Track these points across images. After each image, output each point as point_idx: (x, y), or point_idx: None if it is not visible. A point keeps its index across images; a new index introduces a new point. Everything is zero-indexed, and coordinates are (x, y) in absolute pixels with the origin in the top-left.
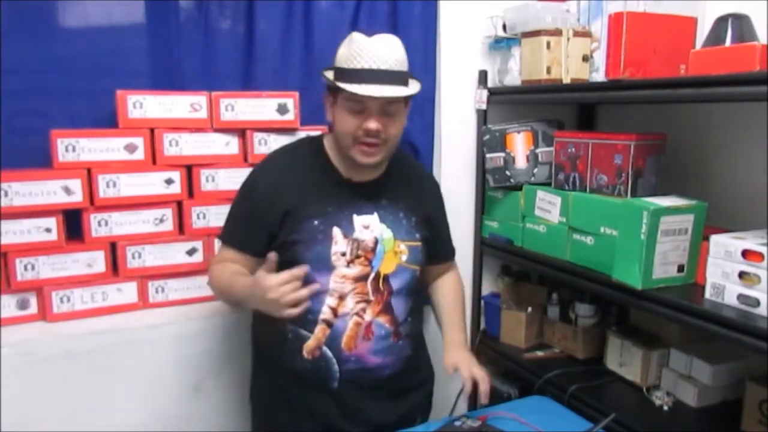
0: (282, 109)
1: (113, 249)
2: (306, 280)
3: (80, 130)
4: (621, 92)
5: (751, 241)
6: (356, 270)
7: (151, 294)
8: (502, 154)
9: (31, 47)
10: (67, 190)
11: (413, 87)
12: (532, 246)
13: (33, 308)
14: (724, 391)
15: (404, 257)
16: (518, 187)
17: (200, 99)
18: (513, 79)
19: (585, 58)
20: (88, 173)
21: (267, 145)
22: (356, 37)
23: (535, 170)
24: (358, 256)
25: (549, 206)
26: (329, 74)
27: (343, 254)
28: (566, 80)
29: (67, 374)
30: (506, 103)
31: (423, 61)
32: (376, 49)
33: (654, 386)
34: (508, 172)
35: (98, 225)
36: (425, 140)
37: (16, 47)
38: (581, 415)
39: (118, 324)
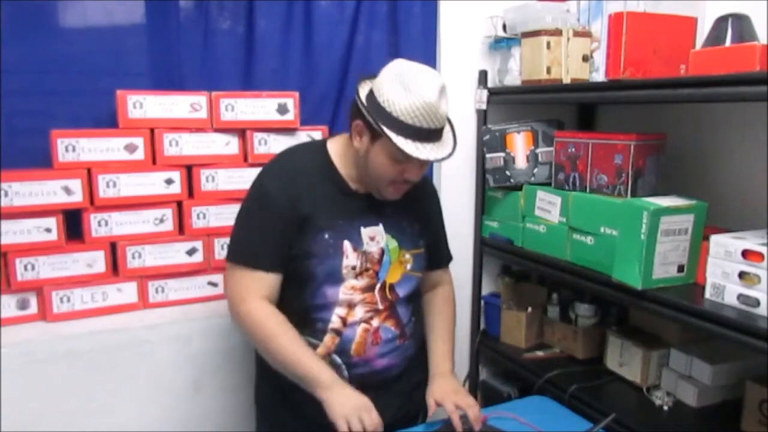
0: (282, 109)
1: (113, 249)
2: (316, 293)
3: (80, 130)
4: (621, 92)
5: (751, 241)
6: (364, 281)
7: (151, 294)
8: (502, 154)
9: (31, 47)
10: (67, 190)
11: (452, 134)
12: (532, 246)
13: (33, 308)
14: (724, 391)
15: (409, 266)
16: (518, 187)
17: (200, 99)
18: (513, 79)
19: (585, 58)
20: (88, 173)
21: (267, 145)
22: (415, 83)
23: (535, 170)
24: (366, 269)
25: (549, 206)
26: (369, 111)
27: (353, 268)
28: (566, 80)
29: (67, 374)
30: (506, 103)
31: (423, 61)
32: (441, 107)
33: (654, 386)
34: (508, 172)
35: (98, 225)
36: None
37: (16, 47)
38: (581, 415)
39: (118, 324)
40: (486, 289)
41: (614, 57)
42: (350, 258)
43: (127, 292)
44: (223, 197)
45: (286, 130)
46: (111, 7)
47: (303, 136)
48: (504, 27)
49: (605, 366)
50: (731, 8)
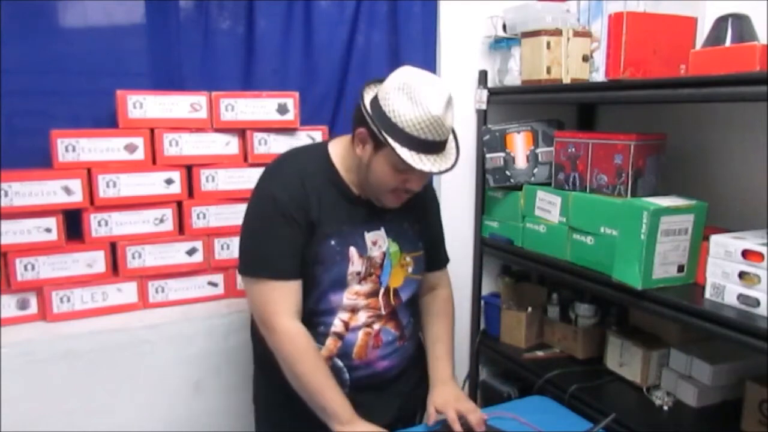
0: (282, 109)
1: (113, 249)
2: (321, 299)
3: (80, 130)
4: (621, 92)
5: (751, 241)
6: (368, 287)
7: (151, 294)
8: (502, 154)
9: (31, 47)
10: (67, 190)
11: (455, 144)
12: (532, 246)
13: (33, 308)
14: (724, 391)
15: (410, 269)
16: (518, 187)
17: (200, 99)
18: (513, 79)
19: (585, 58)
20: (88, 173)
21: (267, 145)
22: (423, 96)
23: (535, 170)
24: (370, 274)
25: (549, 206)
26: (374, 120)
27: (359, 273)
28: (566, 80)
29: (67, 374)
30: (506, 103)
31: (423, 61)
32: (447, 120)
33: (654, 386)
34: (508, 172)
35: (98, 225)
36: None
37: (16, 47)
38: (581, 415)
39: (118, 324)
40: (486, 289)
41: (614, 57)
42: (356, 264)
43: (127, 292)
44: (223, 197)
45: (286, 130)
46: (111, 7)
47: (303, 136)
48: (504, 27)
49: (605, 366)
50: (731, 8)
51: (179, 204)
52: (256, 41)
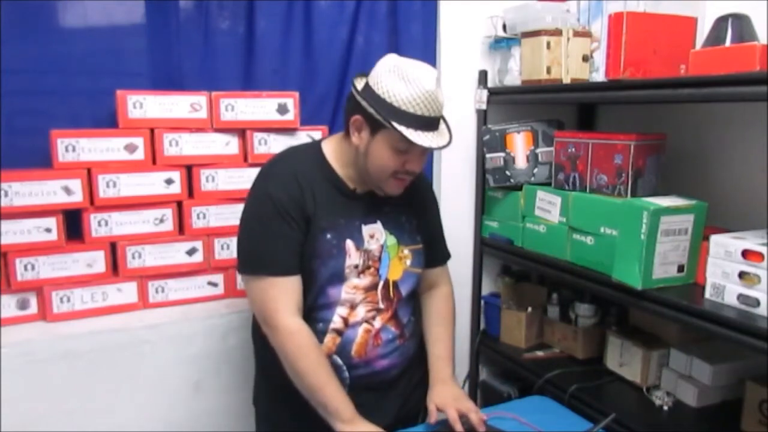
0: (282, 109)
1: (113, 249)
2: (319, 293)
3: (80, 130)
4: (621, 92)
5: (751, 241)
6: (367, 280)
7: (151, 294)
8: (502, 154)
9: (31, 47)
10: (67, 190)
11: (447, 127)
12: (532, 246)
13: (33, 308)
14: (724, 391)
15: (409, 262)
16: (518, 187)
17: (200, 99)
18: (513, 79)
19: (585, 58)
20: (88, 173)
21: (267, 145)
22: (413, 74)
23: (535, 170)
24: (368, 267)
25: (549, 206)
26: (370, 103)
27: (356, 266)
28: (566, 80)
29: (67, 374)
30: (506, 103)
31: (423, 61)
32: (439, 96)
33: (654, 386)
34: (508, 172)
35: (98, 225)
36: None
37: (16, 47)
38: (581, 415)
39: (118, 324)
40: (486, 289)
41: (614, 57)
42: (353, 257)
43: (127, 292)
44: (223, 197)
45: (286, 130)
46: (111, 7)
47: (303, 136)
48: (504, 27)
49: (605, 366)
50: (731, 8)
51: (179, 204)
52: (256, 41)
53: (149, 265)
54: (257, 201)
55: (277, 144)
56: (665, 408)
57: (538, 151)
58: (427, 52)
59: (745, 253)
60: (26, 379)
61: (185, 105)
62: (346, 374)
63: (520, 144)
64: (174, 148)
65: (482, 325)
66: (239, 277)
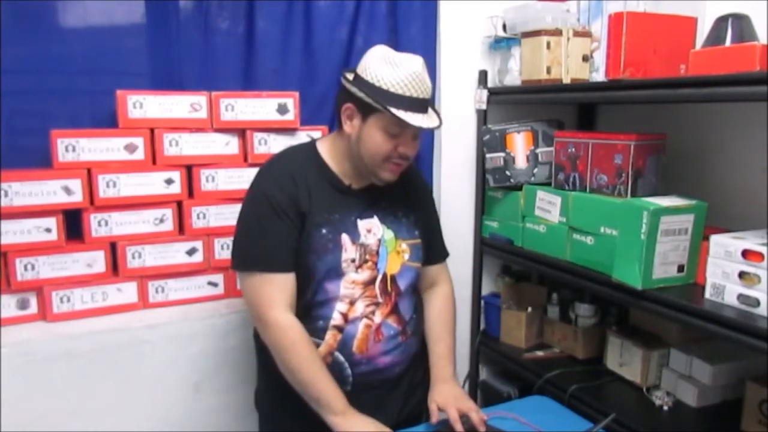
0: (282, 109)
1: (113, 249)
2: (317, 289)
3: (80, 130)
4: (621, 92)
5: (751, 241)
6: (365, 275)
7: (151, 294)
8: (502, 154)
9: (31, 47)
10: (67, 190)
11: (435, 112)
12: (532, 246)
13: (33, 308)
14: (724, 391)
15: (407, 256)
16: (518, 187)
17: (200, 99)
18: (513, 79)
19: (585, 58)
20: (88, 173)
21: (267, 145)
22: (400, 59)
23: (535, 170)
24: (365, 261)
25: (549, 206)
26: (359, 89)
27: (353, 260)
28: (566, 80)
29: (67, 374)
30: (506, 103)
31: (423, 60)
32: (426, 79)
33: (654, 386)
34: (508, 172)
35: (98, 225)
36: (425, 140)
37: (16, 47)
38: (581, 415)
39: (118, 324)
40: (486, 289)
41: (614, 57)
42: (349, 251)
43: (127, 292)
44: (223, 197)
45: (286, 130)
46: (111, 7)
47: (303, 136)
48: (504, 27)
49: (605, 366)
50: (731, 8)
51: (179, 204)
52: (256, 41)
53: (149, 265)
54: (254, 199)
55: (277, 144)
56: (665, 408)
57: (538, 151)
58: (427, 52)
59: (745, 253)
60: (26, 379)
61: (185, 105)
62: (349, 371)
63: (520, 144)
64: (174, 148)
65: (482, 325)
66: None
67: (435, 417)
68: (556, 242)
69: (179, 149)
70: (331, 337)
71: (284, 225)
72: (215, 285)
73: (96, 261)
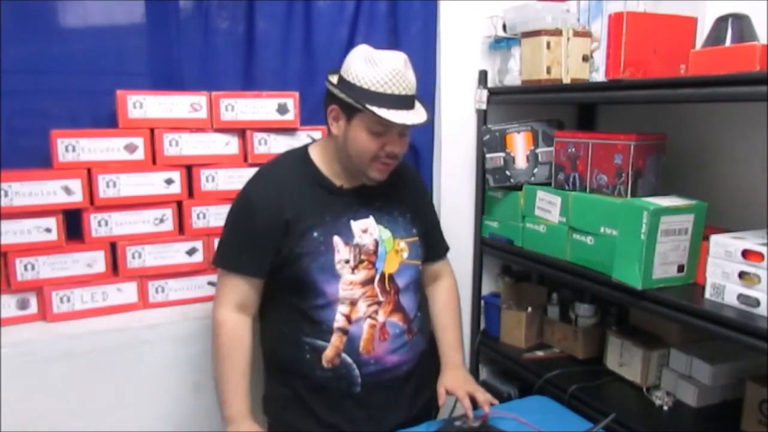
0: (282, 109)
1: (113, 249)
2: (316, 293)
3: (80, 130)
4: (621, 92)
5: (751, 241)
6: (362, 275)
7: (151, 294)
8: (502, 154)
9: (31, 47)
10: (67, 190)
11: (423, 108)
12: (532, 246)
13: (33, 308)
14: (724, 391)
15: (405, 254)
16: (518, 187)
17: (200, 99)
18: (513, 79)
19: (585, 58)
20: (88, 173)
21: (267, 145)
22: (380, 57)
23: (535, 170)
24: (361, 261)
25: (549, 206)
26: (341, 90)
27: (347, 261)
28: (566, 80)
29: (67, 374)
30: (506, 103)
31: (423, 61)
32: (408, 75)
33: (654, 386)
34: (508, 172)
35: (98, 225)
36: (425, 140)
37: (16, 47)
38: (581, 415)
39: (118, 324)
40: (486, 289)
41: (614, 57)
42: (342, 252)
43: (127, 292)
44: (223, 197)
45: (286, 130)
46: (111, 7)
47: (303, 136)
48: (504, 27)
49: (605, 366)
50: (731, 8)
51: (179, 204)
52: (256, 41)
53: (149, 265)
54: (235, 202)
55: (277, 144)
56: (665, 408)
57: (538, 151)
58: (427, 52)
59: (745, 253)
60: (26, 379)
61: (185, 105)
62: (357, 372)
63: (520, 144)
64: (174, 148)
65: (482, 325)
66: None
67: (443, 399)
68: (556, 242)
69: (179, 149)
70: (336, 339)
71: (258, 228)
72: (215, 285)
73: (96, 261)
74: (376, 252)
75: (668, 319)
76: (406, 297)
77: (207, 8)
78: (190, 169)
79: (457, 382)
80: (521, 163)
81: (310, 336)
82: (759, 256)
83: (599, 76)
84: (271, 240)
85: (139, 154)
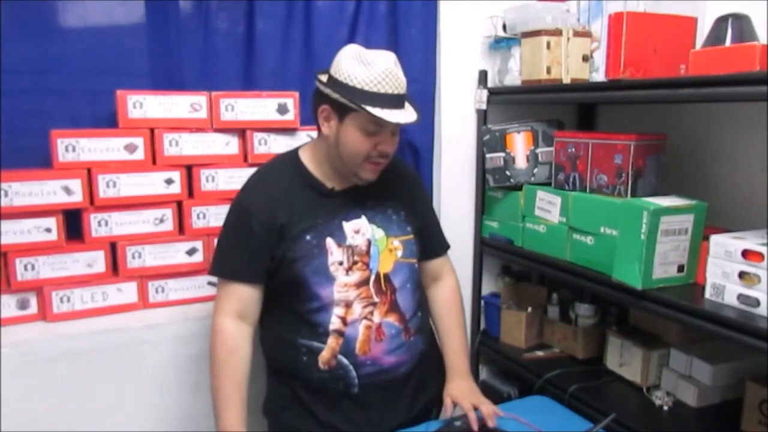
0: (282, 109)
1: (113, 249)
2: (310, 296)
3: (80, 130)
4: (621, 92)
5: (751, 241)
6: (356, 276)
7: (151, 294)
8: (502, 154)
9: (31, 47)
10: (67, 190)
11: (412, 107)
12: (532, 246)
13: (33, 308)
14: (724, 391)
15: (400, 253)
16: (518, 187)
17: (200, 99)
18: (513, 79)
19: (585, 58)
20: (88, 173)
21: (267, 145)
22: (372, 57)
23: (535, 170)
24: (355, 262)
25: (549, 206)
26: (334, 90)
27: (341, 263)
28: (566, 80)
29: (67, 374)
30: (506, 103)
31: (423, 61)
32: (399, 75)
33: (654, 386)
34: (508, 172)
35: (98, 225)
36: (425, 140)
37: (16, 47)
38: (581, 415)
39: (118, 324)
40: (486, 289)
41: (614, 57)
42: (335, 254)
43: (127, 292)
44: (223, 197)
45: (286, 130)
46: (111, 7)
47: (303, 136)
48: (504, 27)
49: (605, 366)
50: (731, 8)
51: (179, 204)
52: (256, 41)
53: (149, 265)
54: (231, 210)
55: (277, 144)
56: (665, 408)
57: (538, 151)
58: (427, 52)
59: (745, 253)
60: (26, 379)
61: (185, 105)
62: (354, 374)
63: (520, 144)
64: (174, 148)
65: (482, 325)
66: None
67: (449, 411)
68: (556, 242)
69: (179, 149)
70: (333, 341)
71: (253, 235)
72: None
73: (96, 261)
74: (368, 252)
75: (668, 319)
76: (403, 297)
77: (207, 8)
78: (190, 169)
79: (462, 392)
80: (521, 163)
81: (306, 338)
82: (759, 256)
83: (599, 76)
84: (267, 246)
85: (139, 154)
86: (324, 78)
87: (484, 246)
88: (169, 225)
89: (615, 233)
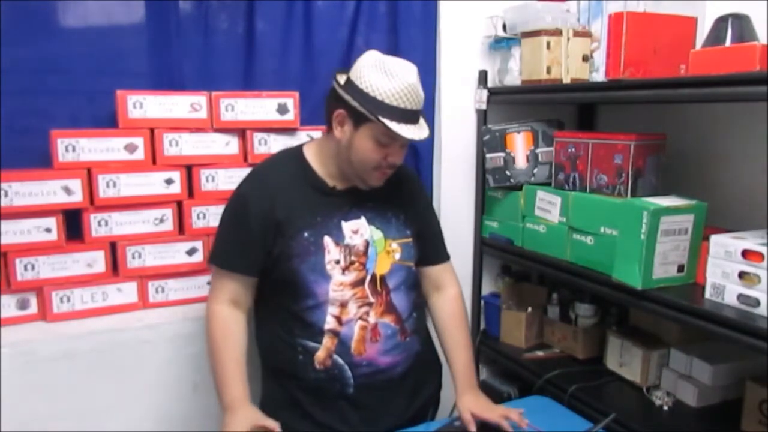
0: (282, 109)
1: (113, 249)
2: (306, 294)
3: (80, 130)
4: (621, 92)
5: (751, 241)
6: (352, 276)
7: (151, 294)
8: (502, 154)
9: (31, 47)
10: (67, 190)
11: (425, 123)
12: (532, 246)
13: (33, 308)
14: (724, 391)
15: (398, 255)
16: (518, 187)
17: (200, 99)
18: (513, 79)
19: (585, 58)
20: (88, 173)
21: (267, 145)
22: (395, 69)
23: (535, 170)
24: (352, 262)
25: (549, 206)
26: (354, 98)
27: (338, 262)
28: (566, 80)
29: (67, 374)
30: (506, 103)
31: (423, 61)
32: (419, 90)
33: (654, 386)
34: (508, 172)
35: (98, 225)
36: (425, 140)
37: (16, 47)
38: (581, 415)
39: (118, 324)
40: (486, 289)
41: (614, 57)
42: (332, 253)
43: (127, 292)
44: (223, 197)
45: (286, 130)
46: (111, 7)
47: (303, 136)
48: (504, 27)
49: (605, 366)
50: (731, 8)
51: (179, 204)
52: (256, 41)
53: (149, 265)
54: (230, 201)
55: (277, 144)
56: (665, 408)
57: (538, 151)
58: (427, 53)
59: (745, 253)
60: (26, 379)
61: (185, 105)
62: (349, 374)
63: (520, 144)
64: (174, 148)
65: (482, 325)
66: None
67: (473, 426)
68: (556, 242)
69: (179, 149)
70: (328, 341)
71: (250, 226)
72: None
73: (96, 261)
74: (366, 253)
75: (668, 319)
76: (399, 297)
77: (207, 8)
78: (190, 169)
79: (482, 407)
80: (521, 163)
81: (302, 337)
82: (759, 256)
83: (599, 76)
84: (264, 240)
85: (139, 154)
86: (342, 80)
87: (484, 246)
88: (169, 225)
89: (615, 233)
